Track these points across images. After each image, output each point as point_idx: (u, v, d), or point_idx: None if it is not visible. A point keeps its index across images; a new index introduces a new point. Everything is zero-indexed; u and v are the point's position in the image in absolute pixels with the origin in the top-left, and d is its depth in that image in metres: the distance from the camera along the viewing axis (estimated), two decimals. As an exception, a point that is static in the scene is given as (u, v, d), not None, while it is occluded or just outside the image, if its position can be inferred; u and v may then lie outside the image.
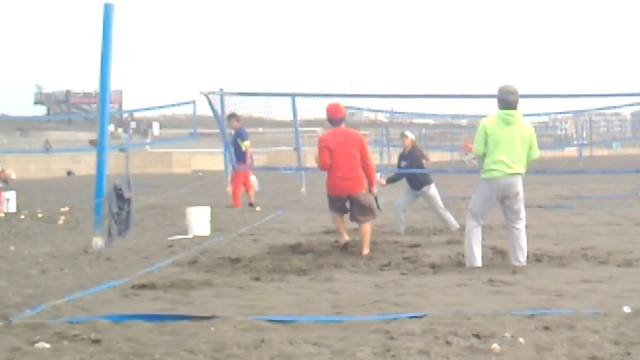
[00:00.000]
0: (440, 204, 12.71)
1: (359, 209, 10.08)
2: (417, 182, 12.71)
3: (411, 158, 12.84)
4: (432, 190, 12.67)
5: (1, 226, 14.44)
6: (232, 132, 18.10)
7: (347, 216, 10.33)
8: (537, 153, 8.82)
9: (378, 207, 10.61)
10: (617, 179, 28.28)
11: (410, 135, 13.09)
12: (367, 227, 10.04)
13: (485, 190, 8.71)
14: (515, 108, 8.63)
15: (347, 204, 10.19)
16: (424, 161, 12.98)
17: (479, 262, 8.63)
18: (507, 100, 8.60)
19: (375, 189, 10.43)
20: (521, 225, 8.75)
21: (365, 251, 9.88)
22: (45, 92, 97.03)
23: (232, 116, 18.24)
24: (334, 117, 10.18)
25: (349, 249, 10.00)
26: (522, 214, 8.78)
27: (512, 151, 8.57)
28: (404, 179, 12.98)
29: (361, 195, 10.09)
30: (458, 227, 12.17)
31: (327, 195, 10.29)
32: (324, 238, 11.71)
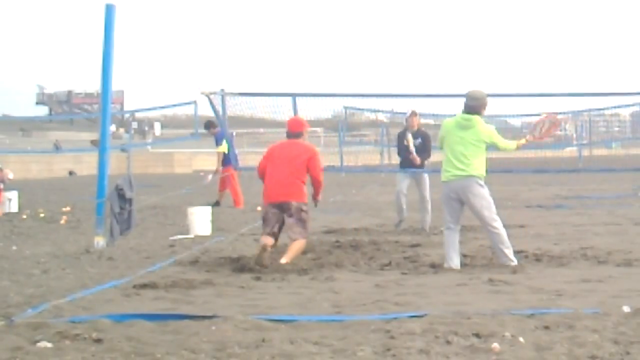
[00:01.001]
0: (428, 192, 12.97)
1: (290, 223, 9.21)
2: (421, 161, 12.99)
3: (422, 135, 13.09)
4: (426, 174, 13.09)
5: (3, 226, 14.46)
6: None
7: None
8: (502, 144, 8.89)
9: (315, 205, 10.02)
10: (617, 179, 28.30)
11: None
12: (298, 244, 9.16)
13: (443, 194, 8.87)
14: (475, 113, 8.75)
15: (279, 226, 9.31)
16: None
17: (455, 264, 8.65)
18: (468, 105, 8.79)
19: (319, 197, 9.83)
20: (494, 223, 8.68)
21: (285, 260, 8.87)
22: (47, 92, 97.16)
23: (212, 124, 18.65)
24: (290, 130, 9.71)
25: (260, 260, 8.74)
26: (490, 213, 8.69)
27: (462, 154, 8.67)
28: (404, 160, 13.15)
29: (294, 206, 9.20)
30: (427, 230, 12.55)
31: (262, 206, 9.56)
32: (324, 238, 11.73)
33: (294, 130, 9.72)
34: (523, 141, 9.25)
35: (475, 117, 8.76)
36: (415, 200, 13.25)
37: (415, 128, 13.11)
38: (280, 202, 9.28)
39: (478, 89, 8.93)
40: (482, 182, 8.76)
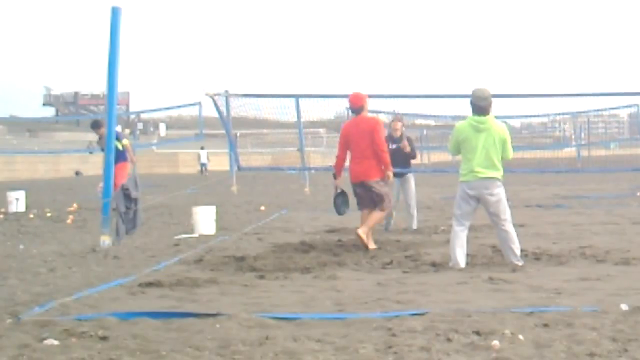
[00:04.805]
0: (414, 197, 13.11)
1: (371, 198, 10.39)
2: (406, 163, 13.06)
3: (407, 140, 13.13)
4: (413, 180, 13.23)
5: (11, 225, 14.58)
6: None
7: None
8: (510, 154, 8.87)
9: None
10: (615, 179, 28.31)
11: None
12: (377, 214, 10.37)
13: (461, 193, 8.84)
14: (486, 114, 8.71)
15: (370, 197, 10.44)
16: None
17: (462, 264, 8.66)
18: (478, 106, 8.71)
19: (390, 174, 10.58)
20: (506, 225, 8.76)
21: (362, 230, 10.07)
22: (54, 93, 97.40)
23: (98, 124, 18.18)
24: (352, 105, 10.66)
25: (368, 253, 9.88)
26: (505, 214, 8.76)
27: (483, 157, 8.67)
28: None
29: (373, 183, 10.37)
30: (415, 228, 12.73)
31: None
32: (327, 237, 11.79)
33: (355, 105, 10.58)
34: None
35: (489, 118, 8.73)
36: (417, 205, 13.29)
37: (399, 134, 13.13)
38: (358, 182, 10.45)
39: (482, 88, 8.81)
40: (501, 183, 8.81)
